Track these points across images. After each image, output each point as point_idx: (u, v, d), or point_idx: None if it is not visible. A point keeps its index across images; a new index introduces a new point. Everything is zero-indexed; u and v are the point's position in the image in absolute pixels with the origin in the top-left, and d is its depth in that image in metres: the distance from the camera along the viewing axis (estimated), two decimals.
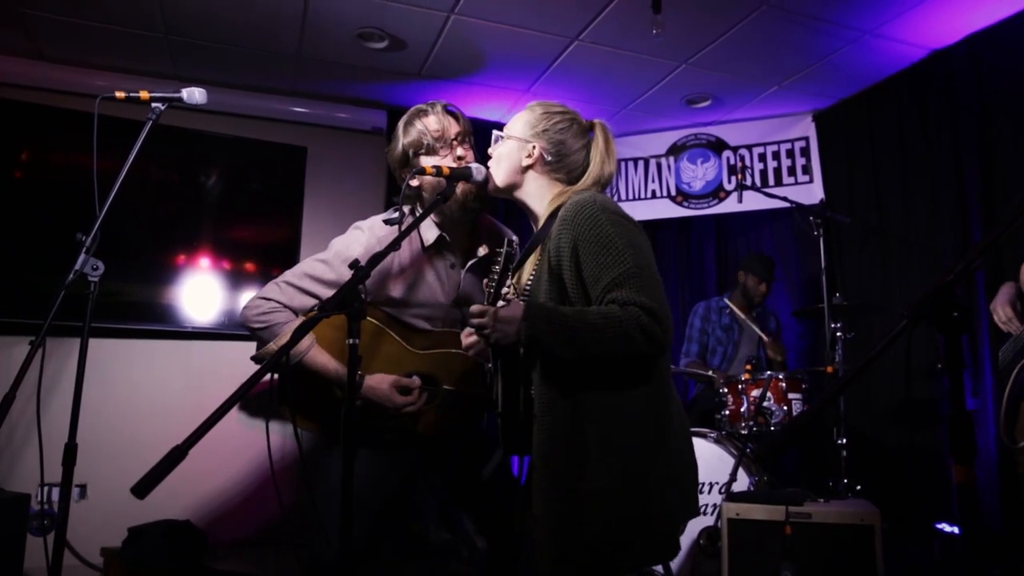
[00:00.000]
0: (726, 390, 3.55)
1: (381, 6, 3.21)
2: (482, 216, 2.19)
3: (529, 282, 1.67)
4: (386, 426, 2.05)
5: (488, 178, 1.84)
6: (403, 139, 2.09)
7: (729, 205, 4.57)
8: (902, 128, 3.86)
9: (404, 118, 2.12)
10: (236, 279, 3.85)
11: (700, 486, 3.08)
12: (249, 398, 3.79)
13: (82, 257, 1.77)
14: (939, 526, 3.33)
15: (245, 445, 3.69)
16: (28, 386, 1.71)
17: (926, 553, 3.28)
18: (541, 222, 1.71)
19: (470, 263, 2.16)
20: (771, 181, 4.48)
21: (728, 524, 2.67)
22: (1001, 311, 2.57)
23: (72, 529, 2.03)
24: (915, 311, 1.13)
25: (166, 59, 3.70)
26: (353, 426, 1.49)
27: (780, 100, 4.25)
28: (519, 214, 1.82)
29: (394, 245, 1.70)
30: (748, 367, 3.54)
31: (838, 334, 3.42)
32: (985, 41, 3.41)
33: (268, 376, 1.57)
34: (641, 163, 4.78)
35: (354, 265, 1.59)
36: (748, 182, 4.36)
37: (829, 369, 3.41)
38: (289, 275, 2.07)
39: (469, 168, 1.91)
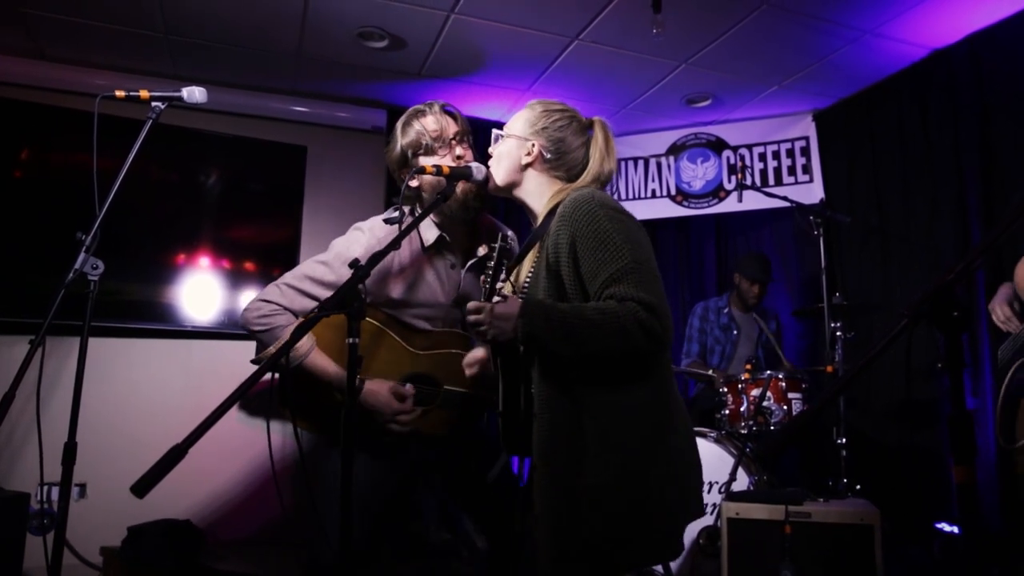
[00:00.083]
0: (726, 389, 3.55)
1: (381, 5, 3.21)
2: (482, 216, 2.19)
3: (527, 279, 1.67)
4: (386, 426, 2.05)
5: (488, 177, 1.84)
6: (401, 140, 2.09)
7: (729, 205, 4.57)
8: (902, 128, 3.86)
9: (402, 119, 2.12)
10: (236, 279, 3.85)
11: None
12: (249, 398, 3.80)
13: (82, 256, 1.77)
14: (939, 526, 3.33)
15: (245, 445, 3.69)
16: (28, 385, 1.71)
17: (926, 553, 3.28)
18: (540, 220, 1.70)
19: (470, 263, 2.16)
20: (771, 181, 4.48)
21: (728, 523, 2.67)
22: (999, 310, 2.57)
23: (72, 528, 2.04)
24: (915, 310, 1.13)
25: (166, 58, 3.70)
26: (353, 426, 1.49)
27: (780, 99, 4.25)
28: (519, 213, 1.82)
29: (394, 244, 1.70)
30: (748, 367, 3.54)
31: (838, 334, 3.42)
32: (985, 41, 3.41)
33: (269, 376, 1.57)
34: (641, 162, 4.78)
35: (354, 265, 1.59)
36: (748, 182, 4.36)
37: (829, 369, 3.40)
38: (289, 277, 2.06)
39: (469, 167, 1.91)
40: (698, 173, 4.66)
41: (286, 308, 2.01)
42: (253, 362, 2.14)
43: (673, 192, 4.71)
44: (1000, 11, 3.28)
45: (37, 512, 3.16)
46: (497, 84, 4.03)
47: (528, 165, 1.73)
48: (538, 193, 1.73)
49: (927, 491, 3.48)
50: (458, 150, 2.09)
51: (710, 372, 3.88)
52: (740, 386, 3.49)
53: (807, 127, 4.43)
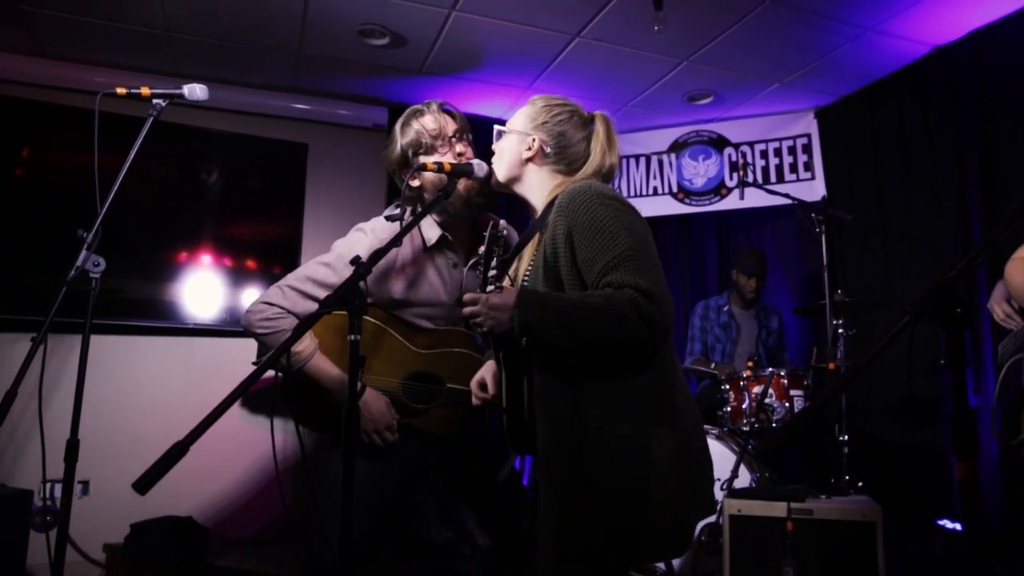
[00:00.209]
0: (728, 387, 3.55)
1: (382, 3, 3.20)
2: (484, 214, 2.19)
3: (527, 273, 1.65)
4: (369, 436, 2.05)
5: (490, 173, 1.84)
6: (401, 140, 2.09)
7: (731, 202, 4.57)
8: (904, 125, 3.86)
9: (400, 119, 2.12)
10: (237, 276, 3.85)
11: None
12: (252, 396, 3.80)
13: (83, 254, 1.78)
14: (941, 523, 3.33)
15: (248, 443, 3.69)
16: (30, 383, 1.71)
17: (928, 550, 3.28)
18: (539, 213, 1.69)
19: (472, 261, 2.16)
20: (773, 178, 4.48)
21: (730, 520, 2.67)
22: (999, 308, 2.57)
23: (74, 525, 2.04)
24: (917, 307, 1.13)
25: (167, 56, 3.70)
26: (354, 426, 1.48)
27: (782, 97, 4.24)
28: (522, 210, 1.82)
29: (395, 241, 1.70)
30: (750, 364, 3.54)
31: (840, 331, 3.42)
32: (987, 38, 3.40)
33: (272, 374, 1.57)
34: (643, 160, 4.77)
35: (355, 262, 1.59)
36: (750, 179, 4.36)
37: (831, 366, 3.40)
38: (292, 279, 2.04)
39: (471, 164, 1.91)
40: (700, 170, 4.65)
41: (289, 311, 2.00)
42: (254, 364, 2.14)
43: (675, 189, 4.71)
44: (1002, 8, 3.27)
45: (40, 509, 3.17)
46: (498, 81, 4.03)
47: (529, 160, 1.72)
48: (539, 187, 1.72)
49: (929, 488, 3.48)
50: (459, 147, 2.10)
51: (712, 367, 3.89)
52: (742, 383, 3.49)
53: (809, 124, 4.42)
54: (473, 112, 4.32)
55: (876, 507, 2.58)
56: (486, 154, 1.88)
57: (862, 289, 3.98)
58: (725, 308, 4.27)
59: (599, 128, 1.72)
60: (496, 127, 1.80)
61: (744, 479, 3.13)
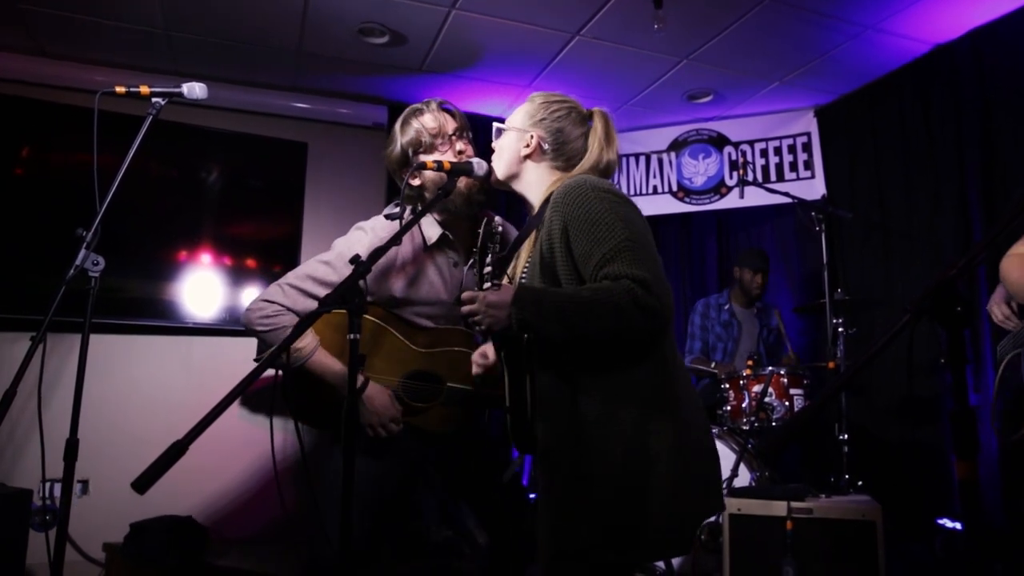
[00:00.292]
0: (728, 385, 3.55)
1: (382, 2, 3.20)
2: (485, 213, 2.18)
3: (525, 270, 1.63)
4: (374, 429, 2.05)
5: (490, 172, 1.83)
6: (401, 139, 2.09)
7: (730, 201, 4.57)
8: (904, 123, 3.85)
9: (400, 119, 2.12)
10: (237, 275, 3.85)
11: None
12: (251, 395, 3.80)
13: (83, 253, 1.77)
14: (941, 522, 3.33)
15: (248, 442, 3.69)
16: (29, 382, 1.71)
17: (928, 549, 3.28)
18: (536, 210, 1.68)
19: (472, 260, 2.16)
20: (773, 177, 4.47)
21: (729, 519, 2.67)
22: (997, 310, 2.58)
23: (74, 524, 2.04)
24: (917, 306, 1.13)
25: (166, 54, 3.70)
26: (353, 424, 1.48)
27: (782, 95, 4.24)
28: (521, 208, 1.81)
29: (395, 240, 1.69)
30: (750, 362, 3.54)
31: (840, 329, 3.42)
32: (987, 36, 3.40)
33: (272, 373, 1.56)
34: (642, 158, 4.77)
35: (355, 261, 1.58)
36: (749, 178, 4.36)
37: (831, 365, 3.40)
38: (292, 277, 2.05)
39: (470, 163, 1.91)
40: (699, 169, 4.65)
41: (289, 308, 2.00)
42: (255, 361, 2.14)
43: (675, 188, 4.70)
44: (1002, 6, 3.27)
45: (39, 508, 3.17)
46: (498, 80, 4.03)
47: (527, 156, 1.71)
48: (537, 184, 1.71)
49: (929, 487, 3.48)
50: (459, 145, 2.10)
51: (712, 366, 3.88)
52: (742, 382, 3.49)
53: (809, 123, 4.42)
54: (473, 111, 4.31)
55: (876, 506, 2.58)
56: (486, 152, 1.88)
57: (862, 288, 3.98)
58: (726, 307, 4.26)
59: (597, 124, 1.71)
60: (495, 125, 1.80)
61: (744, 478, 3.13)
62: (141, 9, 3.25)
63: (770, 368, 3.47)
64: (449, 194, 1.90)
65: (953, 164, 3.54)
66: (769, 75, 3.99)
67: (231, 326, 3.75)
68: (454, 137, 2.10)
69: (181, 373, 3.76)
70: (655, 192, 4.73)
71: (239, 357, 3.67)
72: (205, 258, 3.79)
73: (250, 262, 3.90)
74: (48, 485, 3.22)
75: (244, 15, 3.31)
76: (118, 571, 3.16)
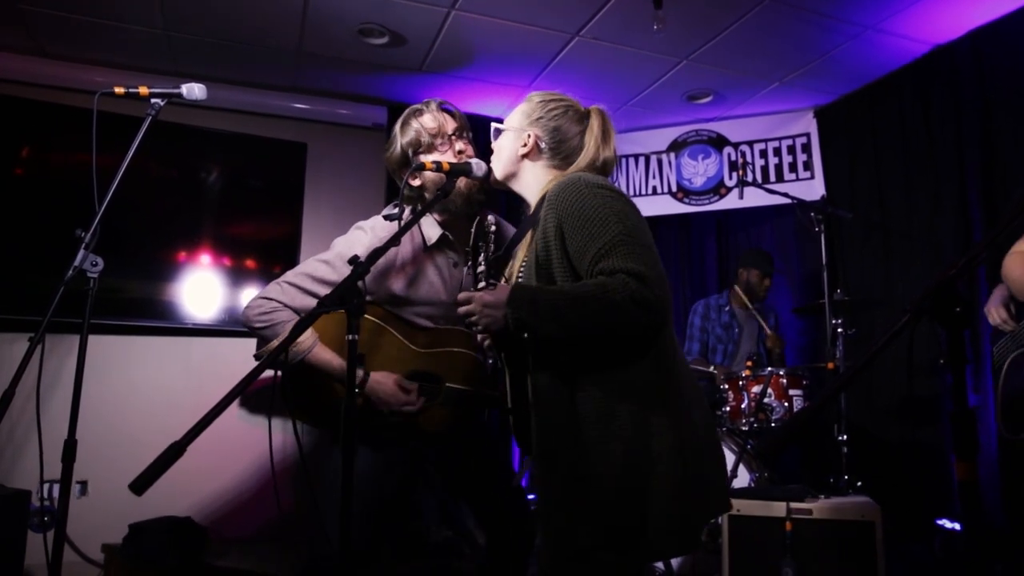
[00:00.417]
0: (727, 386, 3.54)
1: (382, 2, 3.20)
2: (485, 213, 2.18)
3: (522, 269, 1.62)
4: (387, 423, 2.05)
5: (489, 172, 1.83)
6: (401, 139, 2.09)
7: (730, 201, 4.57)
8: (904, 123, 3.85)
9: (400, 119, 2.13)
10: (236, 276, 3.84)
11: None
12: (250, 395, 3.80)
13: (81, 253, 1.77)
14: (940, 522, 3.33)
15: (247, 442, 3.69)
16: (28, 383, 1.71)
17: (927, 550, 3.28)
18: (532, 209, 1.67)
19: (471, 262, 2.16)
20: (772, 177, 4.47)
21: (729, 520, 2.67)
22: (995, 312, 2.59)
23: (72, 525, 2.04)
24: (917, 306, 1.13)
25: (166, 55, 3.69)
26: (353, 423, 1.48)
27: (781, 96, 4.24)
28: (520, 208, 1.81)
29: (394, 240, 1.69)
30: (749, 363, 3.54)
31: (839, 330, 3.42)
32: (987, 36, 3.40)
33: (271, 373, 1.56)
34: (642, 159, 4.77)
35: (354, 261, 1.58)
36: (749, 178, 4.35)
37: (830, 365, 3.40)
38: (291, 275, 2.06)
39: (469, 163, 1.91)
40: (699, 170, 4.65)
41: (287, 306, 2.01)
42: (256, 357, 2.15)
43: (674, 189, 4.70)
44: (1002, 7, 3.27)
45: (38, 509, 3.16)
46: (498, 80, 4.02)
47: (525, 156, 1.71)
48: (535, 183, 1.71)
49: (928, 488, 3.48)
50: (459, 145, 2.10)
51: (711, 369, 3.88)
52: (741, 383, 3.49)
53: (808, 123, 4.42)
54: (473, 111, 4.31)
55: (875, 507, 2.58)
56: (486, 153, 1.88)
57: (862, 288, 3.98)
58: (726, 308, 4.25)
59: (593, 121, 1.71)
60: (493, 125, 1.80)
61: (743, 479, 3.13)
62: (141, 9, 3.25)
63: (769, 369, 3.47)
64: (448, 194, 1.90)
65: (953, 164, 3.53)
66: (769, 75, 3.98)
67: (230, 327, 3.75)
68: (454, 137, 2.10)
69: (180, 374, 3.75)
70: (655, 193, 4.73)
71: (238, 358, 3.67)
72: (204, 259, 3.79)
73: (249, 263, 3.89)
74: (47, 486, 3.21)
75: (244, 15, 3.31)
76: (117, 572, 3.15)
